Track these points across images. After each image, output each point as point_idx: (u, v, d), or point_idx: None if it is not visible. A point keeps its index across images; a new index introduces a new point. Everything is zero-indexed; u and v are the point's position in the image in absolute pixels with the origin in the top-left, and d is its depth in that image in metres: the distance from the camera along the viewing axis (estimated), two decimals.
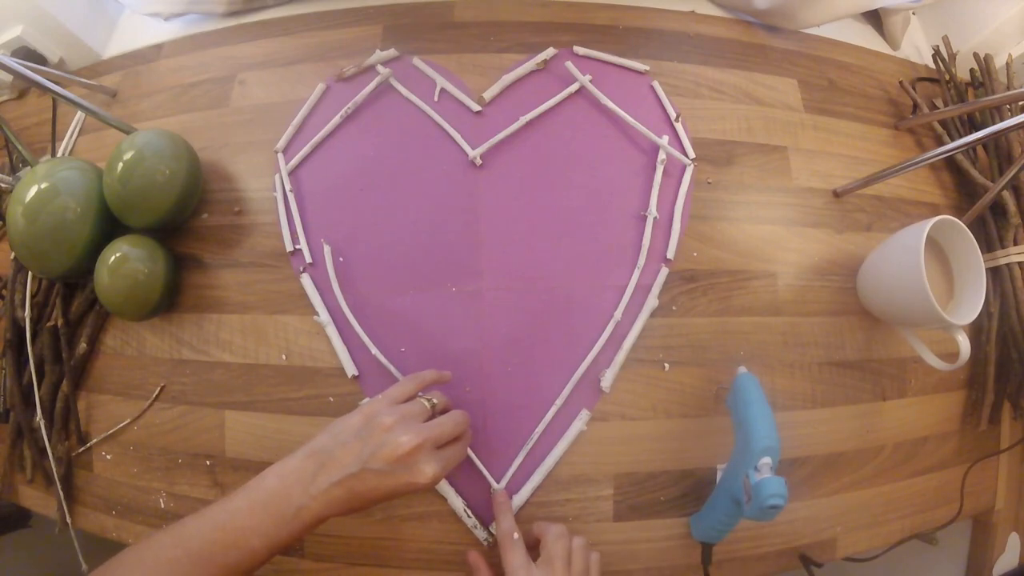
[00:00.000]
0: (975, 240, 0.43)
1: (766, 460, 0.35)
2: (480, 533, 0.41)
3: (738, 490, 0.36)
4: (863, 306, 0.49)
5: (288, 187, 0.49)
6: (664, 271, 0.46)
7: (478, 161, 0.48)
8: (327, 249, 0.46)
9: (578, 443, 0.43)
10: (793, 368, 0.47)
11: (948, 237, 0.45)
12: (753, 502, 0.33)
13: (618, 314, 0.45)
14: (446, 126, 0.49)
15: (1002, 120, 0.48)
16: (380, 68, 0.52)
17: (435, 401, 0.38)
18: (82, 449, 0.48)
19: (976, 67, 0.58)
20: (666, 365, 0.45)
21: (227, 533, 0.32)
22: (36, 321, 0.49)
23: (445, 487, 0.42)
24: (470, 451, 0.42)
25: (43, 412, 0.48)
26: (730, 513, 0.38)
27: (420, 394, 0.38)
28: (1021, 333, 0.49)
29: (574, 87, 0.51)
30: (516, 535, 0.37)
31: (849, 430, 0.47)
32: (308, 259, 0.47)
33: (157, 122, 0.54)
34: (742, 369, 0.42)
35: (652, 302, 0.45)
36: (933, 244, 0.46)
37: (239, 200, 0.50)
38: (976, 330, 0.51)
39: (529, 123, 0.49)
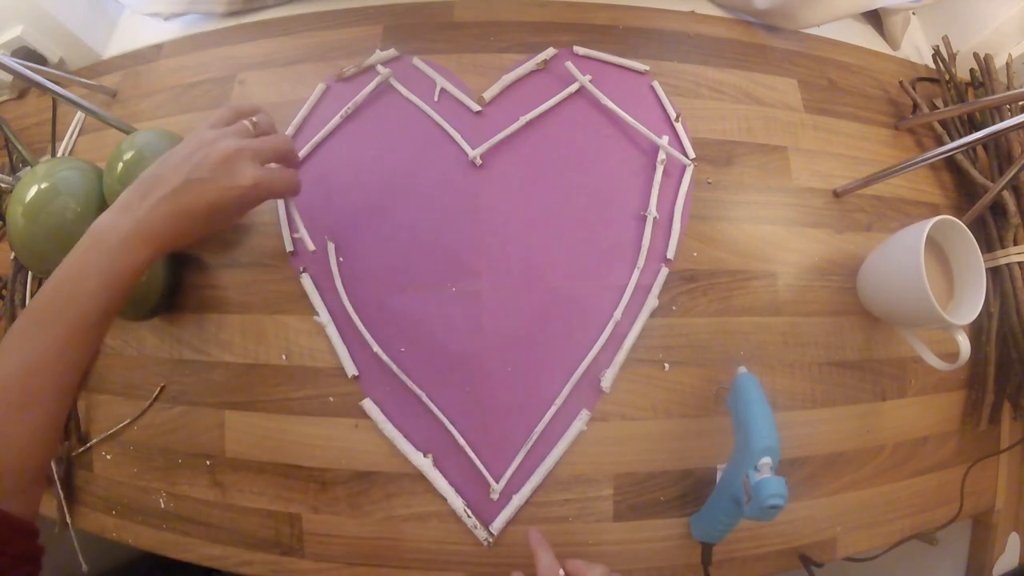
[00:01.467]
0: (975, 240, 0.43)
1: (766, 460, 0.35)
2: (480, 533, 0.41)
3: (738, 490, 0.36)
4: (863, 306, 0.49)
5: None
6: (664, 271, 0.46)
7: (478, 161, 0.48)
8: (331, 247, 0.46)
9: (578, 443, 0.43)
10: (793, 368, 0.47)
11: (948, 237, 0.45)
12: (753, 502, 0.33)
13: (618, 314, 0.45)
14: (446, 126, 0.49)
15: (1002, 120, 0.48)
16: (380, 68, 0.52)
17: (256, 120, 0.37)
18: (82, 449, 0.48)
19: (976, 67, 0.58)
20: (666, 365, 0.45)
21: (64, 285, 0.31)
22: None
23: (445, 487, 0.42)
24: (470, 451, 0.42)
25: None
26: (730, 513, 0.38)
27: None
28: (1021, 333, 0.49)
29: (574, 87, 0.51)
30: (561, 572, 0.35)
31: (849, 430, 0.47)
32: (311, 247, 0.45)
33: (157, 122, 0.54)
34: (742, 369, 0.42)
35: (652, 302, 0.45)
36: (933, 244, 0.46)
37: None
38: (976, 330, 0.51)
39: (529, 123, 0.49)
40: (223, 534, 0.45)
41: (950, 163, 0.55)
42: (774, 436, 0.35)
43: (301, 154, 0.50)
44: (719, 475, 0.41)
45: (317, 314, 0.45)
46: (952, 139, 0.55)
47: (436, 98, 0.51)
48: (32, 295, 0.50)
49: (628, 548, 0.43)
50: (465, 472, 0.42)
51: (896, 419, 0.49)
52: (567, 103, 0.51)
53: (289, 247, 0.47)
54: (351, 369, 0.44)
